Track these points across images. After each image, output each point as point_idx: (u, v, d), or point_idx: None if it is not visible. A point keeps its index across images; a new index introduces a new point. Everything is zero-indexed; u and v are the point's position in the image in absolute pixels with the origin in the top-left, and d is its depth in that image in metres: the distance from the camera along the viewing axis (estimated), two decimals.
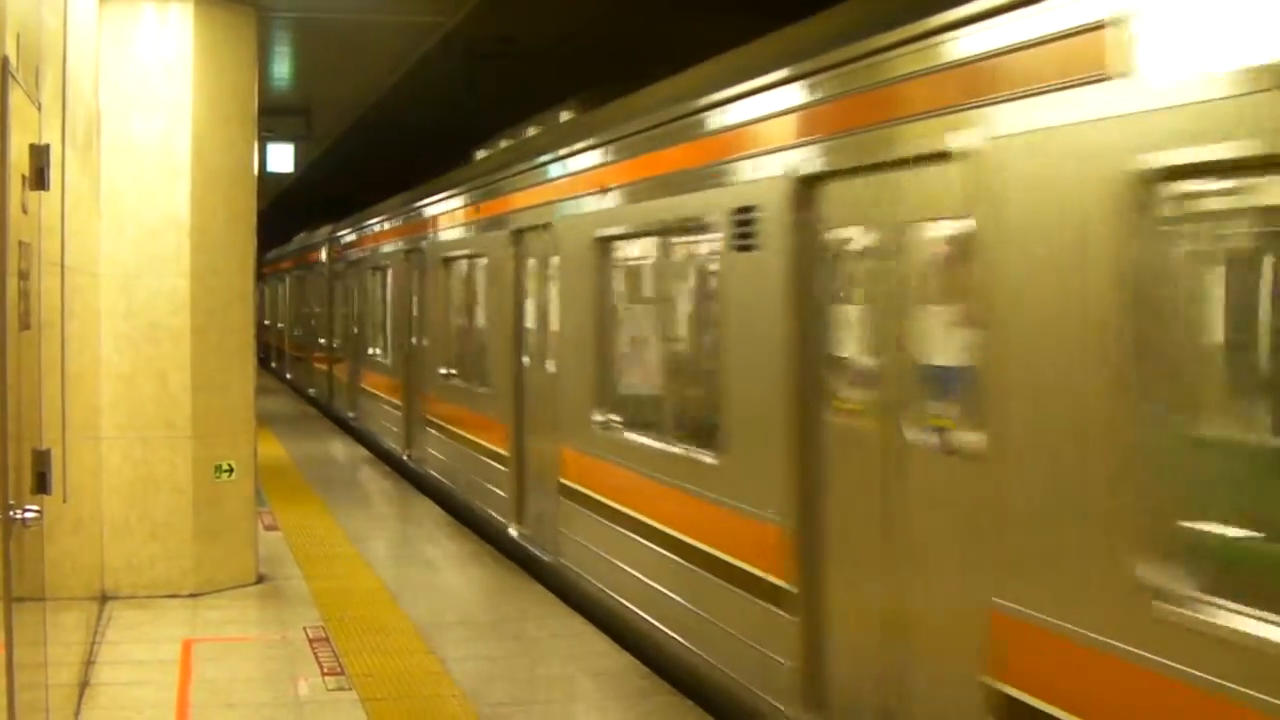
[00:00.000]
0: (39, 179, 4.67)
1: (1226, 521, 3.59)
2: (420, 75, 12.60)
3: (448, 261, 13.08)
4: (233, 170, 9.21)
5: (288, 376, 29.76)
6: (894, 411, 5.10)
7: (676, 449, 7.26)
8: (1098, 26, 3.83)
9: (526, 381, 10.23)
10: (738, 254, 6.31)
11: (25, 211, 4.48)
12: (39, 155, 4.65)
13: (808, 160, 5.65)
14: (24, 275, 4.45)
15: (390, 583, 9.47)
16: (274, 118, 14.36)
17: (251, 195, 9.46)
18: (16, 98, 4.18)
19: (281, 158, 16.18)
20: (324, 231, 24.00)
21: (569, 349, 9.02)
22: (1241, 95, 3.35)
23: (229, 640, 7.94)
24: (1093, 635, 3.80)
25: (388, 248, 16.96)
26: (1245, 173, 3.45)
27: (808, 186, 5.69)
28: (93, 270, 8.11)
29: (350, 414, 19.96)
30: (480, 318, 12.08)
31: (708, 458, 6.73)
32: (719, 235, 6.55)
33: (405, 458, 15.12)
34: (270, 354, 33.61)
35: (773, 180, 5.93)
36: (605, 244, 8.38)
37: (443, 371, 13.20)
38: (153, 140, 8.87)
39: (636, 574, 7.69)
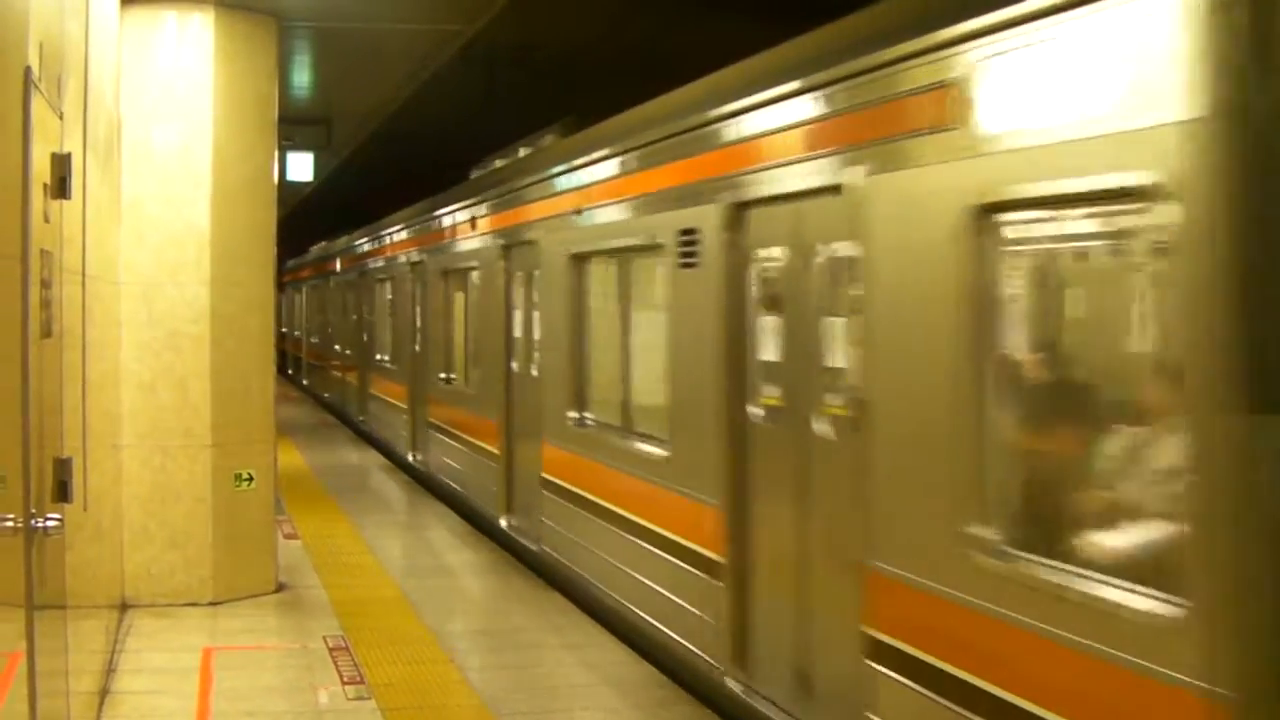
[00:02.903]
0: (61, 188, 4.67)
1: None
2: (440, 84, 12.62)
3: (581, 260, 9.23)
4: (253, 179, 9.23)
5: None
6: None
7: None
8: None
9: (750, 439, 6.51)
10: None
11: (47, 220, 4.48)
12: (61, 164, 4.65)
13: None
14: (46, 284, 4.45)
15: (409, 592, 9.46)
16: (293, 126, 14.38)
17: (271, 204, 9.48)
18: (39, 107, 4.19)
19: (301, 166, 16.21)
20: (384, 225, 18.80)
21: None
22: None
23: (249, 649, 7.94)
24: None
25: (466, 244, 12.90)
26: None
27: None
28: (113, 279, 8.13)
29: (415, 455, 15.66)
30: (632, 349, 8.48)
31: None
32: None
33: (501, 527, 11.24)
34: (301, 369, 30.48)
35: None
36: None
37: (573, 416, 9.28)
38: (173, 149, 8.90)
39: None
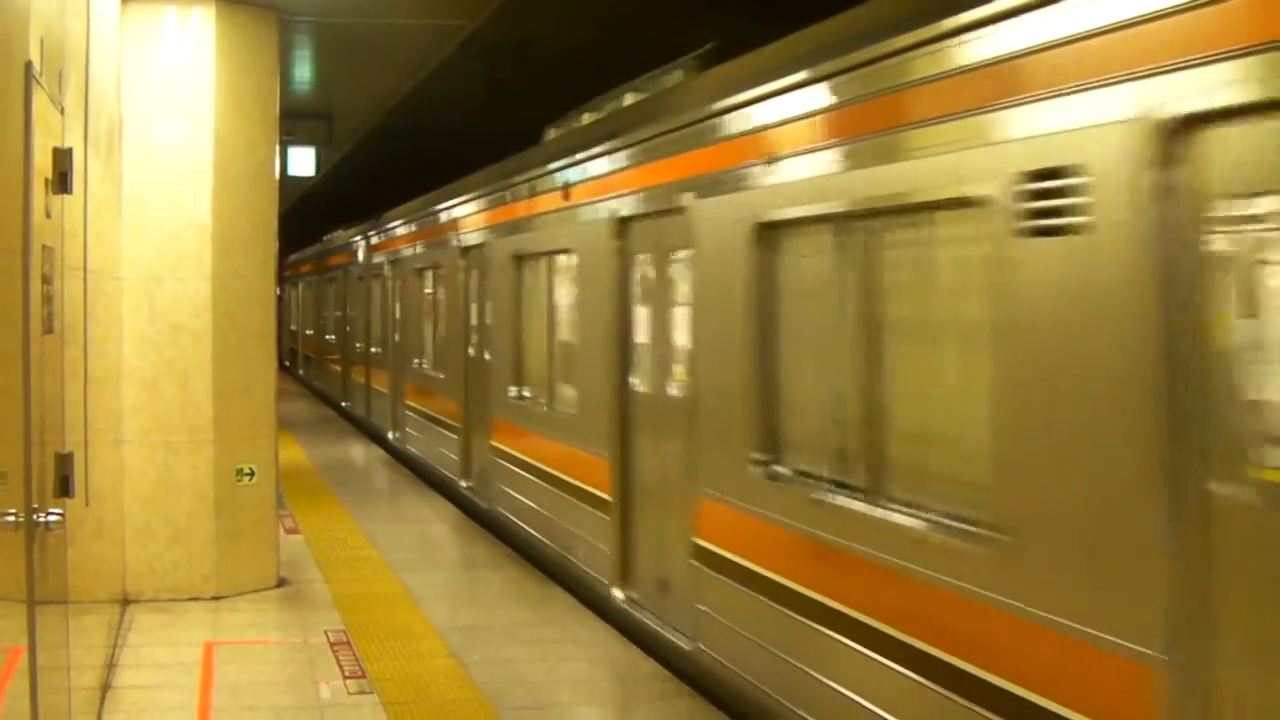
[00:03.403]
0: (62, 183, 4.68)
1: None
2: (440, 79, 12.62)
3: (777, 232, 6.30)
4: (254, 174, 9.23)
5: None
6: None
7: None
8: None
9: (1229, 539, 3.71)
10: None
11: (48, 215, 4.49)
12: (62, 159, 4.66)
13: None
14: (47, 279, 4.46)
15: (411, 586, 9.47)
16: (295, 121, 14.40)
17: (273, 199, 9.48)
18: (40, 101, 4.19)
19: (302, 161, 16.23)
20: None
21: None
22: None
23: (250, 643, 7.94)
24: None
25: (551, 220, 9.97)
26: None
27: None
28: (114, 274, 8.14)
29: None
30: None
31: None
32: None
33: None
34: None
35: None
36: None
37: (762, 461, 6.36)
38: (174, 144, 8.90)
39: None
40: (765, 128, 6.28)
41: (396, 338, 17.36)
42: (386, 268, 18.28)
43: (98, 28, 6.59)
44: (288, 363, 34.01)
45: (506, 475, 11.21)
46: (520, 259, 10.97)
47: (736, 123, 6.61)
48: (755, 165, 6.34)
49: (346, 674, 7.28)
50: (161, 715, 6.60)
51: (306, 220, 29.52)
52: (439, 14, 9.96)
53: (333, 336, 25.23)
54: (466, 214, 12.98)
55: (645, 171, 7.91)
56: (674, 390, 7.61)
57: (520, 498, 10.74)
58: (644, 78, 8.96)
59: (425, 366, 15.35)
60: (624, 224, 8.32)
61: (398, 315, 17.29)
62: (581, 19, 12.15)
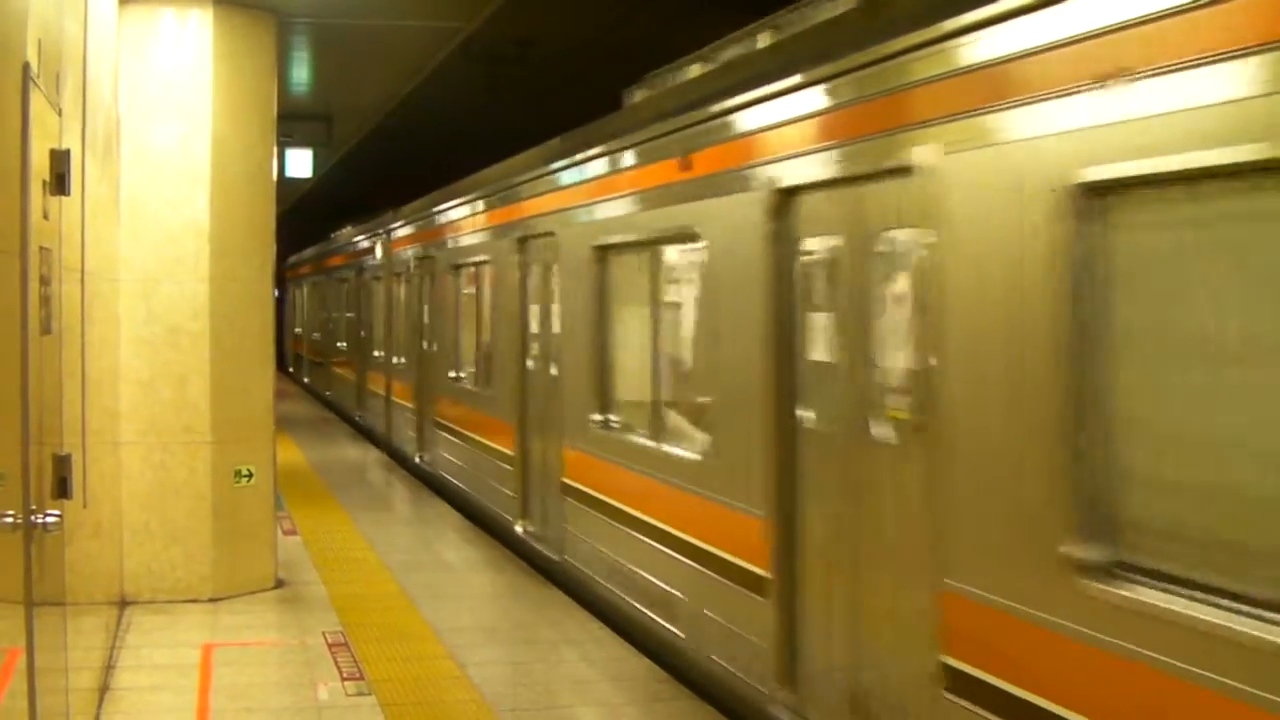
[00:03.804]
0: (59, 184, 4.68)
1: None
2: (439, 80, 12.62)
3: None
4: (252, 176, 9.23)
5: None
6: None
7: None
8: None
9: None
10: None
11: (46, 217, 4.48)
12: (59, 161, 4.66)
13: None
14: (45, 281, 4.46)
15: (409, 587, 9.47)
16: (293, 123, 14.40)
17: (271, 200, 9.48)
18: (37, 103, 4.19)
19: (300, 163, 16.23)
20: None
21: None
22: None
23: (248, 645, 7.94)
24: None
25: (661, 198, 7.55)
26: None
27: None
28: (112, 276, 8.14)
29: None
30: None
31: None
32: None
33: None
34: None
35: None
36: None
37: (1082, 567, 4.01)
38: (172, 146, 8.90)
39: None
40: (1109, 31, 3.89)
41: (425, 345, 15.05)
42: (413, 265, 15.90)
43: (95, 29, 6.58)
44: (291, 369, 33.74)
45: (588, 523, 8.89)
46: (606, 250, 8.65)
47: (1040, 30, 4.19)
48: (1083, 91, 3.98)
49: (344, 675, 7.29)
50: (160, 717, 6.61)
51: (305, 222, 29.52)
52: (437, 15, 9.96)
53: (344, 343, 22.99)
54: (524, 198, 10.58)
55: (830, 122, 5.62)
56: (883, 430, 5.30)
57: (612, 555, 8.37)
58: (786, 12, 6.75)
59: (465, 380, 13.02)
60: (787, 196, 6.02)
61: (426, 319, 15.00)
62: (580, 20, 12.16)
